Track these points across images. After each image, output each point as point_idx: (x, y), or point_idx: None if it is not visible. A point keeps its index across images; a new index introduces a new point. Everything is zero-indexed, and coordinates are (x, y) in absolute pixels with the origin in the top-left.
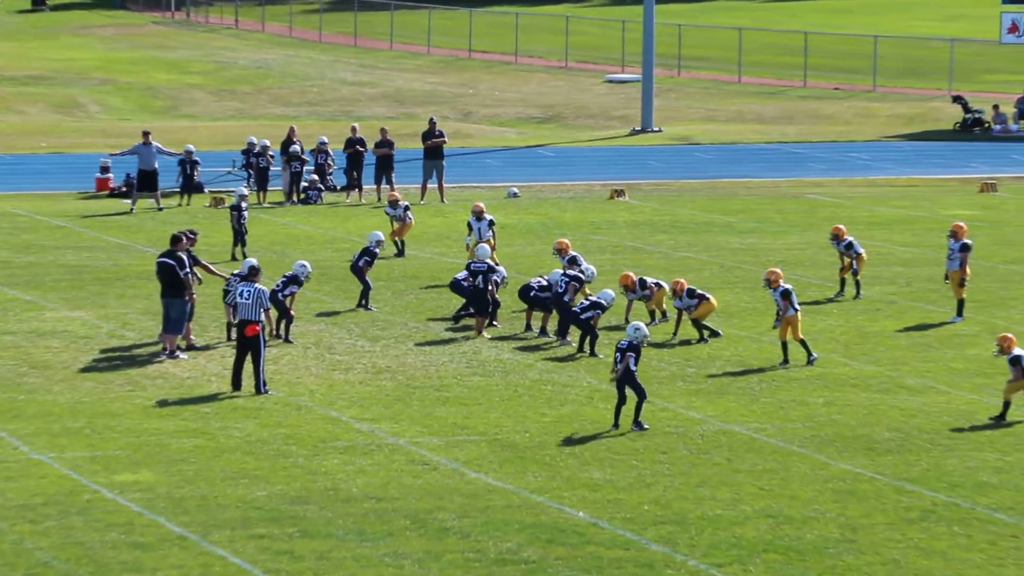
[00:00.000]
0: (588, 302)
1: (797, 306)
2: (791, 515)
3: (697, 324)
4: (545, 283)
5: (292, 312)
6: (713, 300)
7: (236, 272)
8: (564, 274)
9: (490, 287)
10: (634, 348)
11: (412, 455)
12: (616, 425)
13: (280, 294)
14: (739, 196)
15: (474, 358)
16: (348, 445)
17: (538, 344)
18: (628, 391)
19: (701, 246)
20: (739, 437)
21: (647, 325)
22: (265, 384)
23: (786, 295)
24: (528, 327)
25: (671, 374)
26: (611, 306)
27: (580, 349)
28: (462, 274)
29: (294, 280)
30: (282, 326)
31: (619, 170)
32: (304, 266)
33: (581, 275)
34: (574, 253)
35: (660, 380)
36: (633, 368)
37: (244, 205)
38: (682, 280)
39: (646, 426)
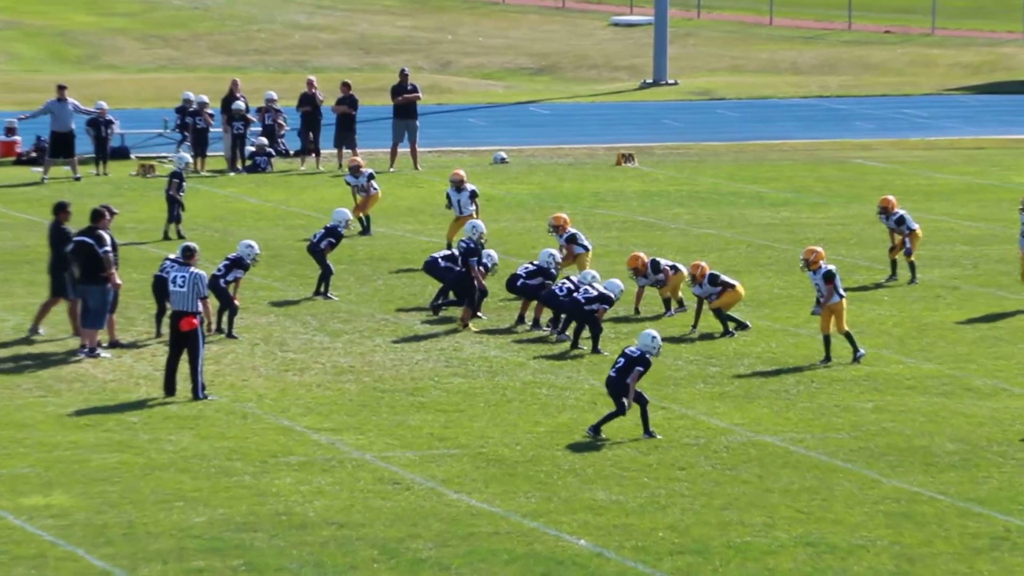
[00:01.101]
0: (594, 292)
1: (842, 292)
2: (835, 543)
3: (720, 315)
4: (533, 268)
5: (236, 302)
6: (739, 287)
7: (171, 256)
8: (573, 283)
9: (475, 271)
10: (644, 361)
11: (380, 472)
12: (596, 431)
13: (222, 280)
14: (771, 161)
15: (455, 356)
16: (304, 460)
17: (531, 339)
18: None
19: (725, 221)
20: (772, 450)
21: (662, 315)
22: (204, 388)
23: (829, 278)
24: (521, 319)
25: (690, 374)
26: (619, 299)
27: (575, 344)
28: (440, 253)
29: (238, 264)
30: (224, 318)
31: (627, 131)
32: (251, 247)
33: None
34: (573, 230)
35: (677, 382)
36: (631, 381)
37: (185, 174)
38: (703, 263)
39: (658, 435)
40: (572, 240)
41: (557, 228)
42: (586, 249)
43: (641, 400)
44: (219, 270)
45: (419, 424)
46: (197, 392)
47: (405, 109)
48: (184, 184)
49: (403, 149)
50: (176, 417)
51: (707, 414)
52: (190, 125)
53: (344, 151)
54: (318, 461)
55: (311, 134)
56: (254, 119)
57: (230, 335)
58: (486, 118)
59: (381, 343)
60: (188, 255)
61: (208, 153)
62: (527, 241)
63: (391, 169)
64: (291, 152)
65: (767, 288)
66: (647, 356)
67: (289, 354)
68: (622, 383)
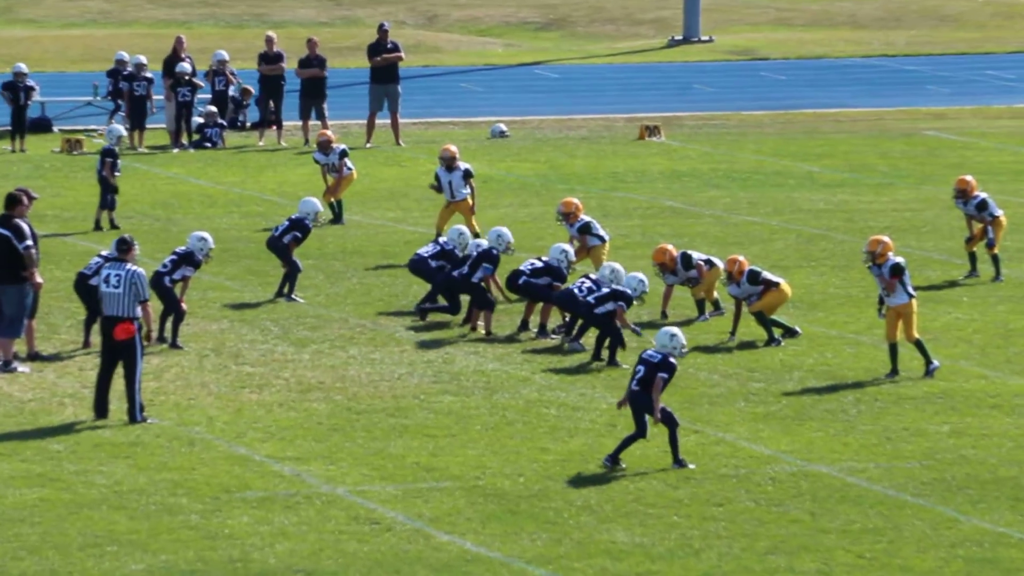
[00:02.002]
0: (607, 290)
1: (912, 291)
2: None
3: (763, 320)
4: (540, 265)
5: (184, 305)
6: (785, 286)
7: (104, 253)
8: (593, 282)
9: (493, 281)
10: (668, 366)
11: (356, 509)
12: (614, 460)
13: (167, 279)
14: (824, 133)
15: (444, 369)
16: (263, 496)
17: (537, 349)
18: (649, 419)
19: (770, 206)
20: (827, 482)
21: (695, 320)
22: (143, 409)
23: (896, 272)
24: (524, 325)
25: (728, 391)
26: (640, 297)
27: (596, 356)
28: (427, 248)
29: (188, 259)
30: (168, 324)
31: (652, 98)
32: (203, 240)
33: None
34: (586, 218)
35: (713, 400)
36: (655, 392)
37: (118, 150)
38: (741, 257)
39: (690, 465)
40: (585, 230)
41: (567, 216)
42: (602, 240)
43: (670, 422)
44: (164, 266)
45: (402, 452)
46: (134, 414)
47: (384, 72)
48: (119, 163)
49: (382, 120)
50: (109, 444)
51: (749, 439)
52: (125, 91)
53: (311, 123)
54: (280, 497)
55: (271, 102)
56: (203, 84)
57: (174, 345)
58: (482, 83)
59: (356, 354)
60: (124, 249)
61: (147, 125)
62: (531, 231)
63: (368, 145)
64: (247, 124)
65: (820, 287)
66: (670, 359)
67: (245, 367)
68: (648, 396)
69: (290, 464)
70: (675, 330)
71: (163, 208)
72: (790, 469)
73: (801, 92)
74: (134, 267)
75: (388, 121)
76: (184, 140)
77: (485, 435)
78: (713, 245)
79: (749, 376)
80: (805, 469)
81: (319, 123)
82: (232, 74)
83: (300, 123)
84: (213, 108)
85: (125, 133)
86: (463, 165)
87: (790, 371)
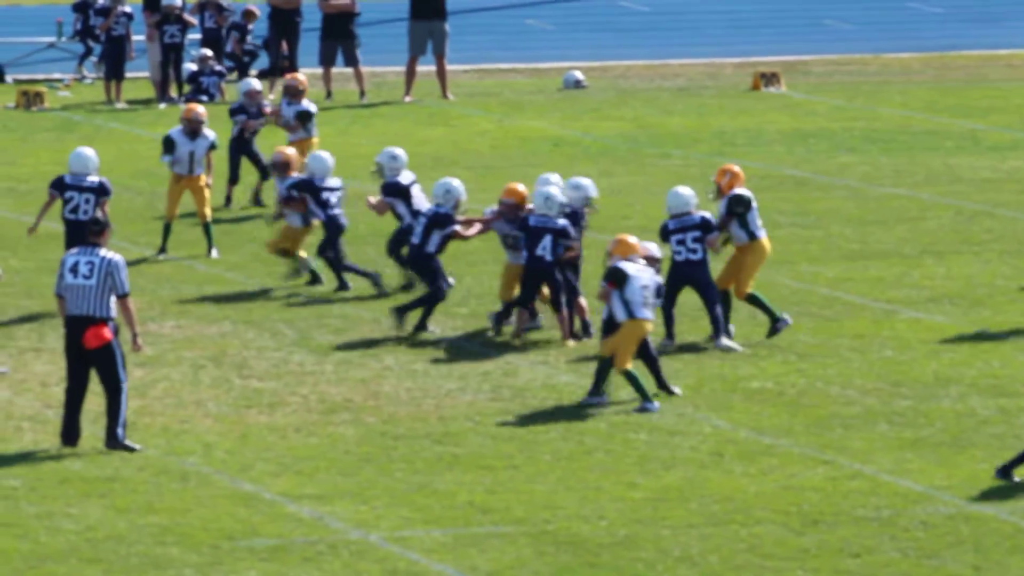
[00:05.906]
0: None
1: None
2: None
3: None
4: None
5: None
6: None
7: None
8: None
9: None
10: None
11: (393, 561)
12: (1007, 473)
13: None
14: (992, 82)
15: (505, 383)
16: (276, 544)
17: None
18: None
19: (920, 175)
20: (995, 527)
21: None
22: (124, 433)
23: (732, 208)
24: (585, 327)
25: (866, 411)
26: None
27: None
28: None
29: (443, 221)
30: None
31: (769, 36)
32: (449, 190)
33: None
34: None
35: (847, 422)
36: None
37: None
38: None
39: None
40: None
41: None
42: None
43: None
44: (417, 237)
45: (452, 488)
46: (114, 438)
47: (428, 6)
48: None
49: (425, 67)
50: (79, 479)
51: (894, 472)
52: (97, 30)
53: (336, 69)
54: (297, 545)
55: (283, 43)
56: (194, 21)
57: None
58: (553, 19)
59: (393, 364)
60: (96, 231)
61: (126, 74)
62: (614, 208)
63: (407, 99)
64: (253, 71)
65: (985, 277)
66: None
67: (252, 382)
68: None
69: (309, 504)
70: None
71: (147, 179)
72: (947, 511)
73: (962, 29)
74: (110, 254)
75: (433, 68)
76: (173, 93)
77: (557, 467)
78: (847, 224)
79: (893, 392)
80: (966, 510)
81: (351, 71)
82: (222, 8)
83: (321, 70)
84: (207, 51)
85: (260, 85)
86: (211, 134)
87: (945, 385)
